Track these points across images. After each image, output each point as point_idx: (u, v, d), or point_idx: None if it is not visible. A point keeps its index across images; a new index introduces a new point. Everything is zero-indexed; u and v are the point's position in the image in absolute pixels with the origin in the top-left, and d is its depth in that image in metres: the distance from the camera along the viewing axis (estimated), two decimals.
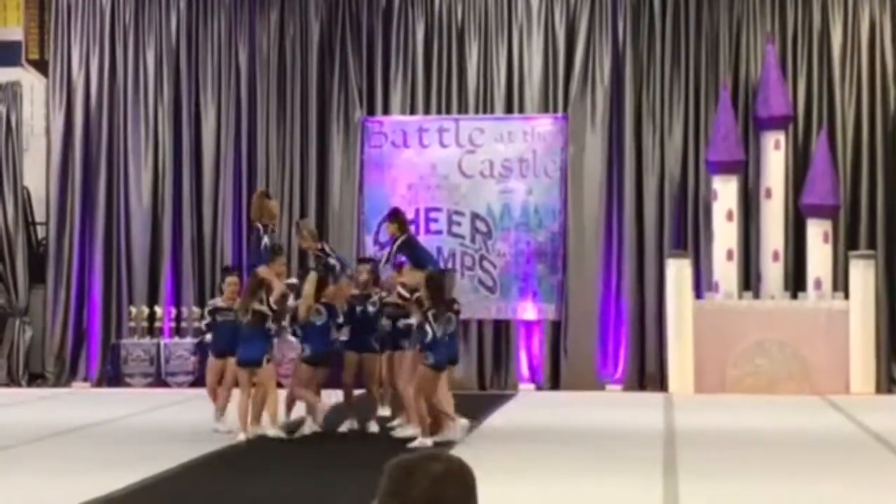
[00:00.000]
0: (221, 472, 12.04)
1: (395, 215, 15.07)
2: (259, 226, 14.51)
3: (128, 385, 20.17)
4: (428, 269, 14.42)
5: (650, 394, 19.48)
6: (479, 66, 20.82)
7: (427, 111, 20.90)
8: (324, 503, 10.18)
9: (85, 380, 20.97)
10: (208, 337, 15.01)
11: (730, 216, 19.74)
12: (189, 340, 20.40)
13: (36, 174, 21.60)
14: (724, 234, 19.74)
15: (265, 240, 14.35)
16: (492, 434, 14.70)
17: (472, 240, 20.67)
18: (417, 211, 20.66)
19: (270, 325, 13.93)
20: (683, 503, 10.10)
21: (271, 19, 21.19)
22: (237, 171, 21.14)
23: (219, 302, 15.01)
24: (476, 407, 17.28)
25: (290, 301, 14.45)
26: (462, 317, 20.40)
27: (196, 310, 20.75)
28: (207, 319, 15.19)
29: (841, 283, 19.63)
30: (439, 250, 20.61)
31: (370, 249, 20.02)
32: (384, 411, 15.08)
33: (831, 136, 20.03)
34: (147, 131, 21.28)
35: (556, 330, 20.47)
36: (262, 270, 14.09)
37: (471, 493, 2.79)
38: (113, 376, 20.38)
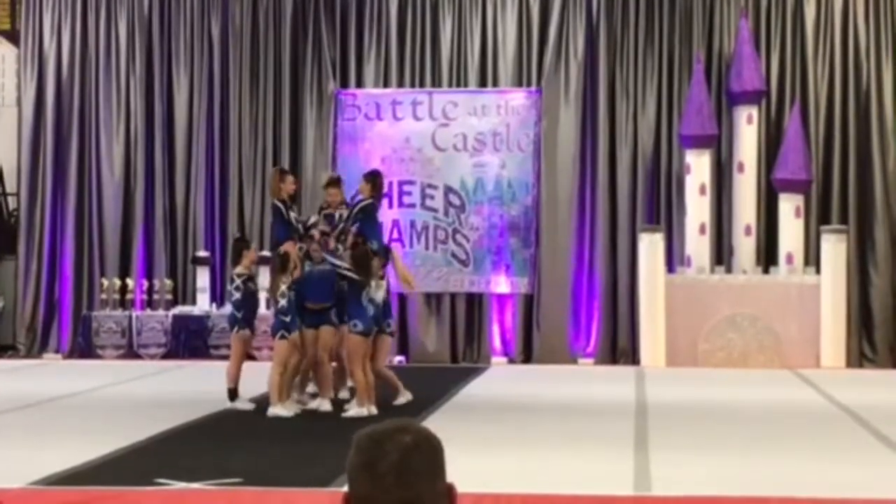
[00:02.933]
0: (196, 443, 12.03)
1: (376, 175, 14.77)
2: (278, 203, 14.34)
3: (99, 357, 20.12)
4: (371, 244, 14.16)
5: (622, 367, 19.55)
6: (452, 39, 20.79)
7: (401, 84, 20.86)
8: (298, 474, 10.19)
9: (56, 351, 20.91)
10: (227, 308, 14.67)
11: (702, 190, 19.79)
12: (162, 312, 20.37)
13: (7, 145, 21.51)
14: (697, 209, 19.79)
15: (292, 215, 14.22)
16: (463, 407, 14.72)
17: (446, 213, 20.67)
18: (391, 184, 20.58)
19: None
20: (654, 476, 10.14)
21: None
22: (210, 144, 21.08)
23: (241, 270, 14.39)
24: (448, 380, 17.33)
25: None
26: (435, 290, 20.61)
27: (168, 282, 20.73)
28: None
29: (813, 257, 19.72)
30: (412, 223, 20.62)
31: None
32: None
33: (804, 111, 20.09)
34: (119, 102, 21.20)
35: (529, 303, 20.51)
36: (289, 246, 13.93)
37: (439, 463, 2.80)
38: (84, 348, 20.33)
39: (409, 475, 2.72)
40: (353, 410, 13.35)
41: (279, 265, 13.83)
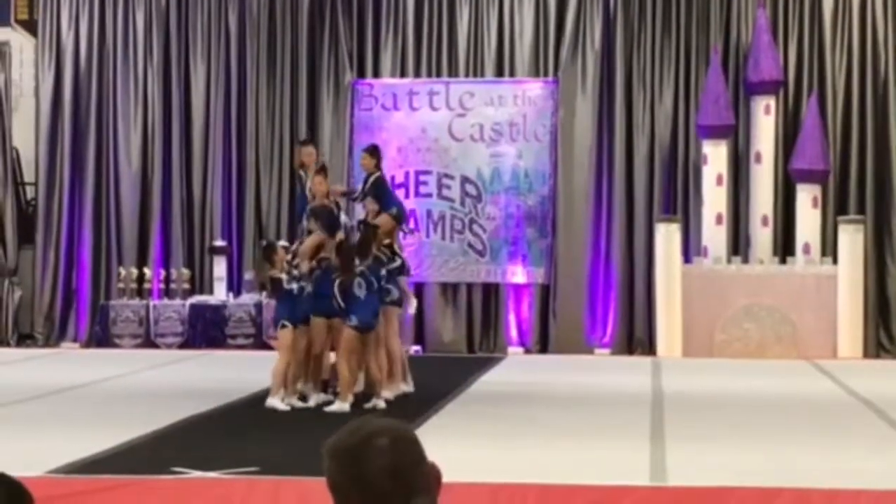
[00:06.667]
0: (212, 432, 12.06)
1: (375, 149, 14.74)
2: (301, 173, 14.54)
3: (116, 346, 20.18)
4: (391, 210, 14.25)
5: (638, 358, 19.54)
6: (469, 30, 20.77)
7: (417, 74, 20.86)
8: (314, 463, 10.20)
9: (74, 340, 20.99)
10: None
11: (719, 181, 19.77)
12: (179, 302, 20.40)
13: (25, 135, 21.56)
14: (714, 199, 19.77)
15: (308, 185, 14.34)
16: (479, 397, 14.74)
17: (462, 203, 20.68)
18: (407, 174, 20.66)
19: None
20: (670, 466, 10.15)
21: None
22: (227, 134, 21.11)
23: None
24: (464, 370, 17.34)
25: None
26: (451, 280, 20.63)
27: (185, 271, 20.77)
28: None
29: (830, 247, 19.68)
30: (429, 213, 20.63)
31: (359, 212, 19.98)
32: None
33: (821, 101, 20.04)
34: (136, 92, 21.24)
35: (546, 294, 20.51)
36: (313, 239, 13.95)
37: (420, 449, 2.85)
38: (102, 337, 20.38)
39: (401, 473, 2.77)
40: (336, 405, 13.20)
41: (264, 257, 13.83)
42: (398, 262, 14.21)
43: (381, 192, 14.44)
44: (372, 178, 14.43)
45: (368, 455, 2.77)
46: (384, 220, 14.13)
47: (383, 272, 13.78)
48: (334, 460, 2.81)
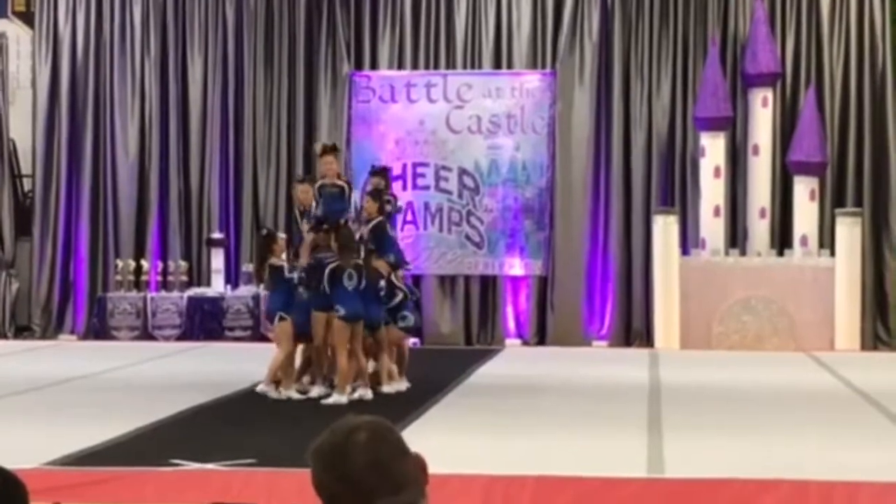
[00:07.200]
0: (210, 424, 12.06)
1: (378, 193, 14.42)
2: (297, 213, 14.45)
3: (114, 338, 20.17)
4: (388, 258, 14.16)
5: (636, 350, 19.54)
6: (467, 21, 20.76)
7: (415, 66, 20.85)
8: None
9: (71, 332, 20.99)
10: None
11: (717, 173, 19.76)
12: (177, 294, 20.39)
13: (22, 126, 21.54)
14: (712, 191, 19.77)
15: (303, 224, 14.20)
16: (477, 389, 14.74)
17: (460, 195, 20.67)
18: (405, 166, 20.65)
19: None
20: (668, 458, 10.15)
21: None
22: (224, 125, 21.10)
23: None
24: (462, 361, 17.35)
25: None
26: (449, 272, 20.63)
27: (183, 263, 20.78)
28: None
29: (827, 240, 19.69)
30: (427, 205, 20.63)
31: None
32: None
33: (819, 93, 20.04)
34: (134, 84, 21.22)
35: (543, 285, 20.51)
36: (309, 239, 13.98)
37: (400, 439, 2.89)
38: (99, 329, 20.38)
39: (384, 466, 2.80)
40: (332, 398, 13.23)
41: (264, 245, 13.85)
42: (399, 297, 14.22)
43: (379, 238, 14.28)
44: (372, 224, 14.16)
45: (348, 452, 2.80)
46: (380, 265, 14.06)
47: (382, 284, 13.89)
48: (318, 462, 2.85)
